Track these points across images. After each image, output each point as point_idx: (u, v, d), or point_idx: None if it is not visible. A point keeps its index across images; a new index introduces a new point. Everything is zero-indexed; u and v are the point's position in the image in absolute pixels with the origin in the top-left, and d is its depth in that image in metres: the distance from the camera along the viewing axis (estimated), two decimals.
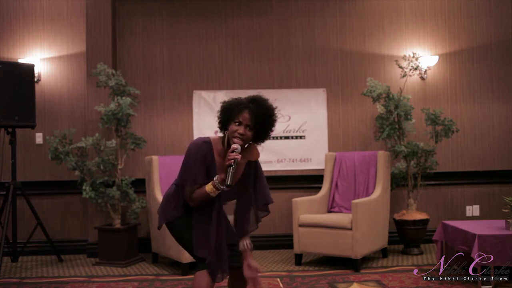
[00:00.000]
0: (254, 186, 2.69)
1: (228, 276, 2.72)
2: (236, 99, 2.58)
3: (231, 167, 2.43)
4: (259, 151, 2.65)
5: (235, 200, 2.75)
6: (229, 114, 2.52)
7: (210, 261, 2.53)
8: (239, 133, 2.49)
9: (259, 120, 2.50)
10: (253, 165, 2.68)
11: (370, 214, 4.77)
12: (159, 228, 2.75)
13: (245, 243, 2.68)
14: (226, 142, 2.56)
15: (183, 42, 5.86)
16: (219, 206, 2.61)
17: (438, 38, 5.95)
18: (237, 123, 2.49)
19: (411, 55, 5.52)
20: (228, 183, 2.42)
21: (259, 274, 2.65)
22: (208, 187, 2.50)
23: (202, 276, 2.52)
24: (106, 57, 5.50)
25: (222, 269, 2.56)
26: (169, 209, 2.67)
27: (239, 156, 2.44)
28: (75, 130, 5.42)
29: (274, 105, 2.59)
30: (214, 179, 2.49)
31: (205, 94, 5.80)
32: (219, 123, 2.60)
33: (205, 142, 2.55)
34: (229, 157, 2.43)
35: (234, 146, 2.47)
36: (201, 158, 2.52)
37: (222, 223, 2.60)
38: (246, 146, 2.57)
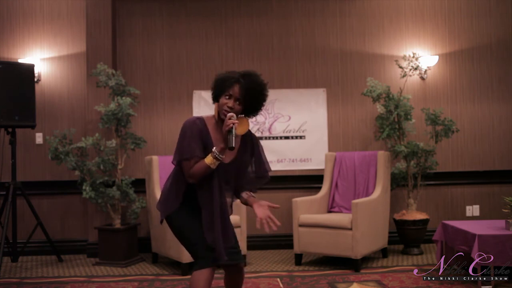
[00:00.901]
0: (252, 161, 2.73)
1: (225, 274, 2.74)
2: (228, 72, 2.63)
3: (231, 133, 2.45)
4: (249, 123, 2.65)
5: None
6: (221, 87, 2.56)
7: (216, 242, 2.52)
8: (228, 106, 2.53)
9: (249, 95, 2.54)
10: (249, 142, 2.71)
11: (370, 214, 4.77)
12: (161, 222, 2.76)
13: (246, 192, 2.71)
14: (216, 114, 2.61)
15: (183, 42, 5.86)
16: (220, 187, 2.59)
17: (438, 38, 5.95)
18: (227, 97, 2.54)
19: (411, 55, 5.52)
20: (232, 145, 2.44)
21: (276, 207, 2.63)
22: (208, 159, 2.50)
23: (199, 274, 2.51)
24: (106, 57, 5.50)
25: (225, 248, 2.56)
26: (168, 201, 2.66)
27: (236, 121, 2.47)
28: (75, 130, 5.42)
29: (265, 81, 2.64)
30: (213, 149, 2.50)
31: (205, 94, 5.80)
32: (212, 95, 2.64)
33: (199, 119, 2.60)
34: (227, 123, 2.46)
35: (230, 114, 2.50)
36: (197, 133, 2.54)
37: (224, 203, 2.61)
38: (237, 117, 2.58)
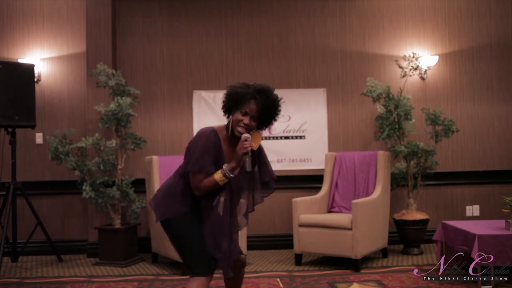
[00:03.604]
0: (260, 168, 2.72)
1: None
2: (242, 86, 2.57)
3: (247, 155, 2.47)
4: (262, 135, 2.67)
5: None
6: (236, 102, 2.53)
7: (223, 258, 2.52)
8: (244, 124, 2.51)
9: (265, 112, 2.54)
10: (257, 150, 2.70)
11: (370, 214, 4.77)
12: (157, 221, 2.68)
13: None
14: (230, 129, 2.57)
15: (183, 42, 5.86)
16: (227, 202, 2.59)
17: (438, 38, 5.95)
18: (242, 113, 2.51)
19: (411, 55, 5.52)
20: (248, 169, 2.48)
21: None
22: (217, 176, 2.50)
23: (199, 283, 2.48)
24: (106, 57, 5.50)
25: (230, 261, 2.56)
26: (172, 202, 2.60)
27: (253, 146, 2.48)
28: (75, 130, 5.42)
29: (279, 96, 2.62)
30: (224, 167, 2.50)
31: (205, 94, 5.79)
32: (223, 107, 2.60)
33: (213, 131, 2.56)
34: (244, 145, 2.46)
35: (246, 135, 2.49)
36: (210, 146, 2.51)
37: (234, 214, 2.63)
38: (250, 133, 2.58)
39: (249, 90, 2.53)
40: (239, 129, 2.52)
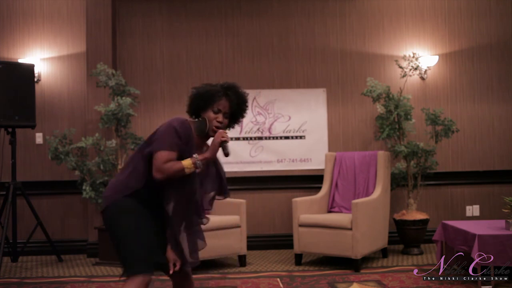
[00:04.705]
0: (218, 171, 2.61)
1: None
2: (210, 85, 2.52)
3: (225, 143, 2.43)
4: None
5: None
6: (207, 100, 2.46)
7: (183, 249, 2.46)
8: (218, 121, 2.46)
9: (236, 108, 2.51)
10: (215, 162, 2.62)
11: (370, 214, 4.77)
12: (102, 212, 2.49)
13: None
14: (207, 129, 2.48)
15: (183, 42, 5.86)
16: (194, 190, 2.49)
17: (438, 38, 5.95)
18: (215, 111, 2.46)
19: (411, 55, 5.52)
20: (229, 152, 2.43)
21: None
22: (186, 162, 2.36)
23: (140, 281, 2.31)
24: (106, 57, 5.50)
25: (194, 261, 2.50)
26: (119, 188, 2.44)
27: (227, 134, 2.44)
28: (75, 130, 5.42)
29: (246, 92, 2.58)
30: (195, 156, 2.39)
31: None
32: (190, 108, 2.52)
33: (187, 121, 2.47)
34: (222, 134, 2.41)
35: (221, 131, 2.44)
36: (183, 132, 2.40)
37: (195, 211, 2.52)
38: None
39: (219, 88, 2.48)
40: (214, 128, 2.46)
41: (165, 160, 2.35)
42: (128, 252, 2.36)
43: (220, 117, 2.47)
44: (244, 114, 2.58)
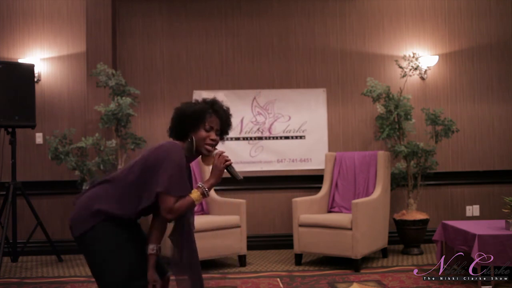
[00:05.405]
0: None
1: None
2: (193, 104, 2.40)
3: (232, 168, 2.38)
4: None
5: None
6: (196, 120, 2.34)
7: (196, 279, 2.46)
8: (211, 139, 2.35)
9: (224, 123, 2.42)
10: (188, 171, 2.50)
11: (370, 214, 4.77)
12: (78, 235, 2.31)
13: None
14: (194, 149, 2.37)
15: (183, 42, 5.86)
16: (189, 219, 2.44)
17: (438, 38, 5.95)
18: (207, 129, 2.35)
19: (411, 55, 5.52)
20: (240, 178, 2.38)
21: None
22: (195, 195, 2.29)
23: None
24: (106, 57, 5.50)
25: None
26: (108, 204, 2.32)
27: (230, 160, 2.38)
28: (75, 130, 5.42)
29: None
30: (200, 185, 2.31)
31: (205, 94, 5.79)
32: (175, 130, 2.40)
33: (181, 147, 2.35)
34: (226, 159, 2.35)
35: (218, 151, 2.37)
36: (183, 164, 2.29)
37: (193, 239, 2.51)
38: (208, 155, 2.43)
39: (206, 105, 2.37)
40: (208, 147, 2.34)
41: (173, 203, 2.26)
42: (122, 283, 2.31)
43: (212, 135, 2.36)
44: (230, 130, 2.48)
